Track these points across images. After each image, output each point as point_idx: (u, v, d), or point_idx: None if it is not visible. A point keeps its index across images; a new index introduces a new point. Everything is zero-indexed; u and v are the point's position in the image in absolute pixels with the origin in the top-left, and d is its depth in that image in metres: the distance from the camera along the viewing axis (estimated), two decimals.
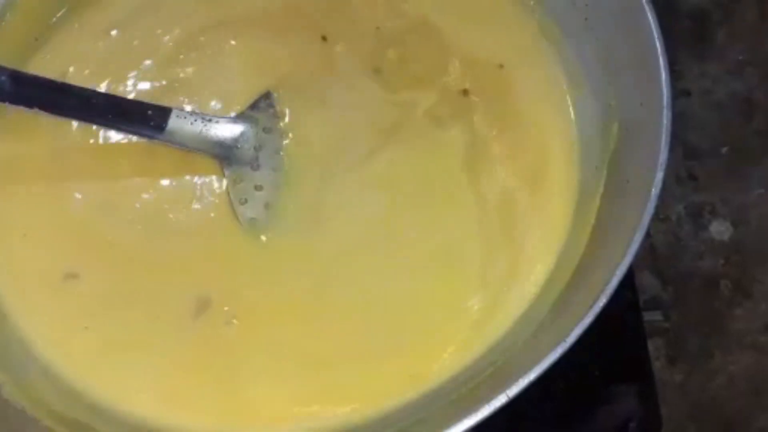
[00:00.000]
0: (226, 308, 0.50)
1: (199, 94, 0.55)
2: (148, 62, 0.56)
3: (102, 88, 0.55)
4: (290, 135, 0.54)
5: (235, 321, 0.50)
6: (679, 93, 0.79)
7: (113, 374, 0.49)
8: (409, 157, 0.54)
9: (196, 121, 0.52)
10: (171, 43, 0.56)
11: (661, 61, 0.47)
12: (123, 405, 0.48)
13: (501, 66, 0.56)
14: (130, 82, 0.56)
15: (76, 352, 0.49)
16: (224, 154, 0.53)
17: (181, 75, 0.56)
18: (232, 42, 0.57)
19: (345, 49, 0.56)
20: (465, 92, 0.56)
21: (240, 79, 0.56)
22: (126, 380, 0.49)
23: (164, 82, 0.56)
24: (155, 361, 0.49)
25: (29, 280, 0.51)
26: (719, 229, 0.76)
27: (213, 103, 0.55)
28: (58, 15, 0.57)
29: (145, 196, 0.53)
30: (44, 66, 0.55)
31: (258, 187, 0.52)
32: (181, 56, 0.56)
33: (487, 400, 0.41)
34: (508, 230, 0.52)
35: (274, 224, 0.52)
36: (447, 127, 0.54)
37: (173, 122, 0.51)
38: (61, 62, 0.56)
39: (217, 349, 0.50)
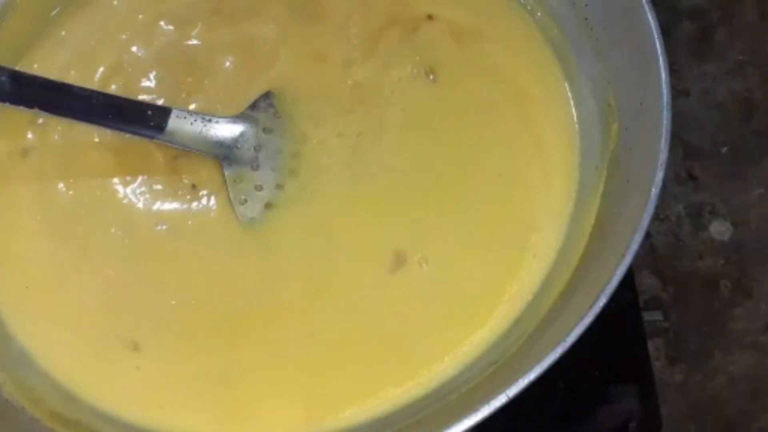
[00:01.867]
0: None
1: (198, 94, 0.55)
2: (145, 61, 0.56)
3: (99, 88, 0.55)
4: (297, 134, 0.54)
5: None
6: (678, 93, 0.79)
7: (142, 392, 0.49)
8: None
9: (196, 121, 0.52)
10: (169, 41, 0.57)
11: (661, 61, 0.47)
12: (128, 413, 0.49)
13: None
14: (128, 82, 0.56)
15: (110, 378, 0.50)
16: (224, 154, 0.53)
17: (180, 74, 0.56)
18: (233, 41, 0.57)
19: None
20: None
21: (240, 79, 0.56)
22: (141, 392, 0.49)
23: (162, 82, 0.56)
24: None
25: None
26: (719, 229, 0.76)
27: (212, 103, 0.55)
28: (53, 14, 0.57)
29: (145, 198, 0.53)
30: (43, 66, 0.56)
31: (258, 187, 0.53)
32: (180, 54, 0.56)
33: (487, 400, 0.41)
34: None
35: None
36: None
37: (173, 122, 0.52)
38: (58, 62, 0.56)
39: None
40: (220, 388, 0.49)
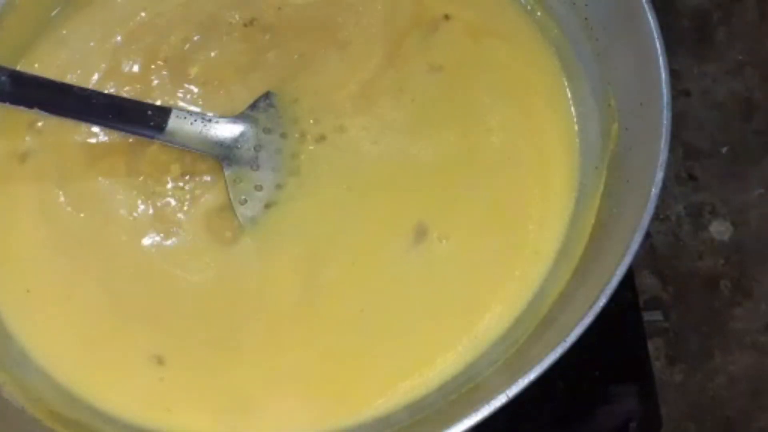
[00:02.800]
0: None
1: (198, 93, 0.55)
2: (145, 60, 0.56)
3: (99, 88, 0.55)
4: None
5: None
6: (678, 93, 0.79)
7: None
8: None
9: (196, 121, 0.52)
10: (169, 40, 0.57)
11: (661, 61, 0.47)
12: (129, 413, 0.49)
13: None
14: (128, 83, 0.56)
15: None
16: (224, 154, 0.53)
17: (180, 73, 0.56)
18: (233, 41, 0.57)
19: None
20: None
21: (241, 79, 0.56)
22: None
23: (163, 80, 0.56)
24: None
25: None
26: (719, 229, 0.76)
27: (213, 102, 0.55)
28: (53, 14, 0.57)
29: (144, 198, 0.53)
30: (43, 66, 0.56)
31: (258, 187, 0.53)
32: (180, 53, 0.56)
33: (487, 400, 0.41)
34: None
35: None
36: None
37: (173, 122, 0.52)
38: (58, 62, 0.56)
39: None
40: (227, 389, 0.49)
